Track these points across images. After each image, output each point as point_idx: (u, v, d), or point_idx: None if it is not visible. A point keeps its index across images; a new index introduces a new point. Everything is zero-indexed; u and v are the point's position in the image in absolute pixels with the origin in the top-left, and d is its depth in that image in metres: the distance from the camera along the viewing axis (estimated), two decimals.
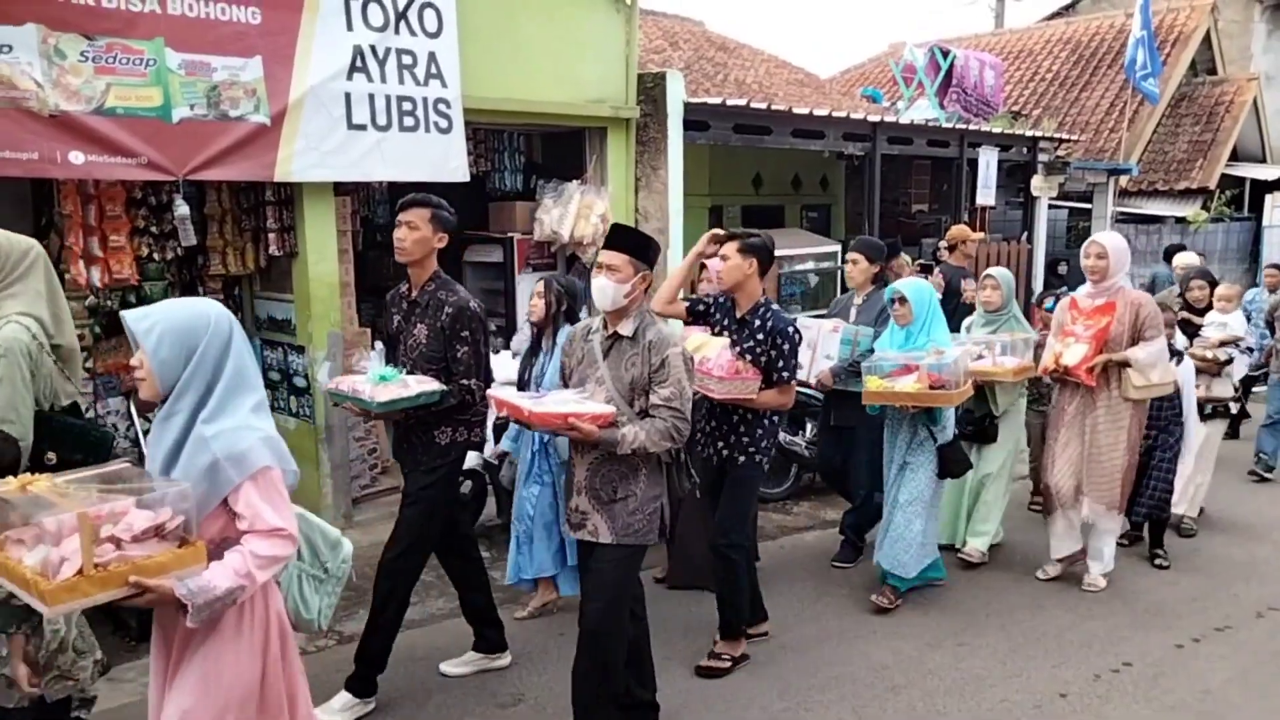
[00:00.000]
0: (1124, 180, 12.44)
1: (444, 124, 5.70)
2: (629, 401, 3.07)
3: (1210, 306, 6.18)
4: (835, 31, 46.05)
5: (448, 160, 5.74)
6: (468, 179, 5.94)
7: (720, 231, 3.96)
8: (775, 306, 3.89)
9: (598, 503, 3.10)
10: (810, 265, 8.58)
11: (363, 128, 5.37)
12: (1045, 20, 17.69)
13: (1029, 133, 10.62)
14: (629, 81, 6.81)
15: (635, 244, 3.14)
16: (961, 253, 7.15)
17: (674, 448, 3.10)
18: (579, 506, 3.14)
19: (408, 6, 5.49)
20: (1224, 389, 5.73)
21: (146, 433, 5.45)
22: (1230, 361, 5.68)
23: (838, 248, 8.79)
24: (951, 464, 4.58)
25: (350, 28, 5.29)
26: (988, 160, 9.96)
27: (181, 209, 4.94)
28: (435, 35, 5.63)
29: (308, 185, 5.36)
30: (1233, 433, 7.56)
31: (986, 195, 10.07)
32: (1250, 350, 5.90)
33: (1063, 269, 10.94)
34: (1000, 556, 5.32)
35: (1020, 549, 5.43)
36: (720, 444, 3.93)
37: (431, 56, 5.63)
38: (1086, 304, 4.80)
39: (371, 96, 5.40)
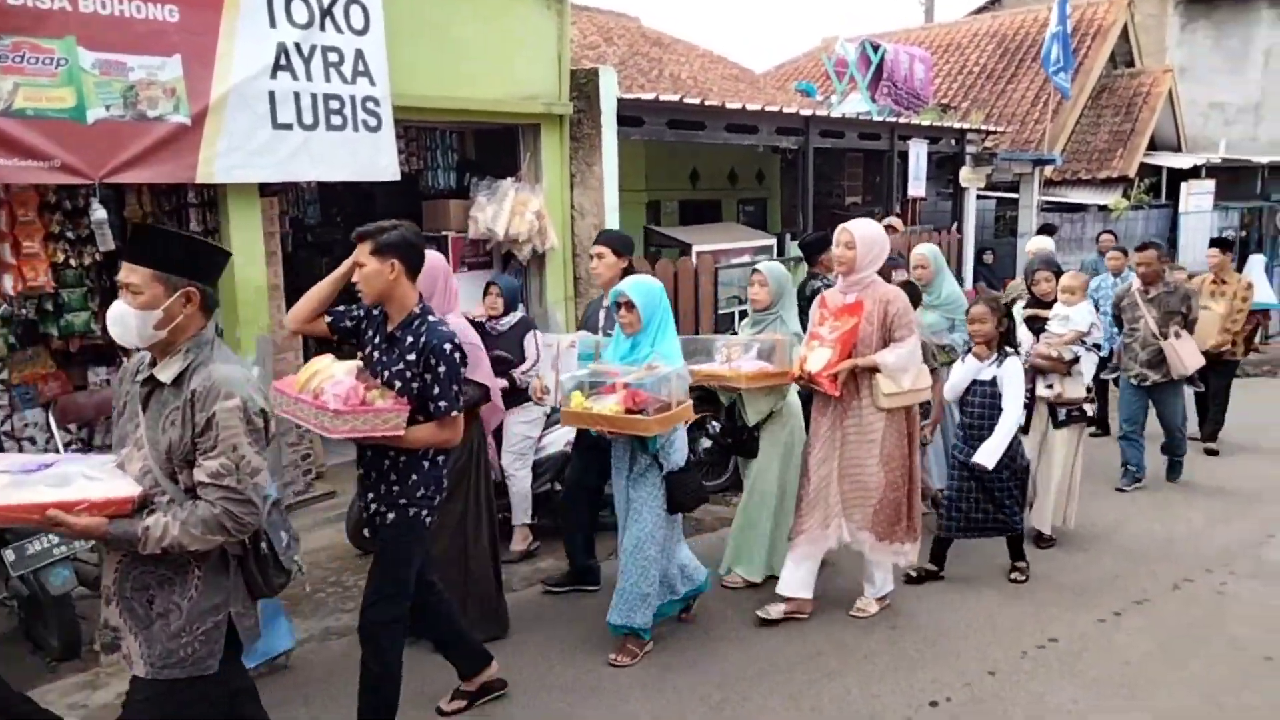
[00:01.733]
0: (1049, 170, 12.80)
1: (373, 122, 5.62)
2: (170, 475, 2.28)
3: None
4: (769, 27, 46.46)
5: (378, 159, 5.66)
6: (399, 178, 5.87)
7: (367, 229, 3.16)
8: (435, 317, 3.15)
9: (132, 619, 2.32)
10: (746, 259, 8.66)
11: (288, 127, 5.27)
12: (972, 14, 18.09)
13: (957, 125, 10.87)
14: (562, 77, 6.79)
15: (166, 253, 2.31)
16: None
17: (233, 541, 2.31)
18: (108, 621, 2.37)
19: (333, 3, 5.39)
20: (1076, 390, 5.27)
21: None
22: (1077, 360, 5.25)
23: (773, 241, 8.90)
24: (681, 495, 3.94)
25: (273, 25, 5.18)
26: (918, 152, 10.17)
27: (99, 213, 4.79)
28: (362, 32, 5.55)
29: (232, 186, 5.25)
30: (1103, 430, 7.65)
31: (917, 187, 10.28)
32: (1097, 347, 5.41)
33: (988, 257, 11.21)
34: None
35: None
36: (370, 495, 3.17)
37: (359, 54, 5.54)
38: (836, 301, 4.29)
39: (297, 95, 5.29)
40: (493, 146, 7.09)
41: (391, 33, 5.66)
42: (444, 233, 6.75)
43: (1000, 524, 4.79)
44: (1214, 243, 7.83)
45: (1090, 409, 5.41)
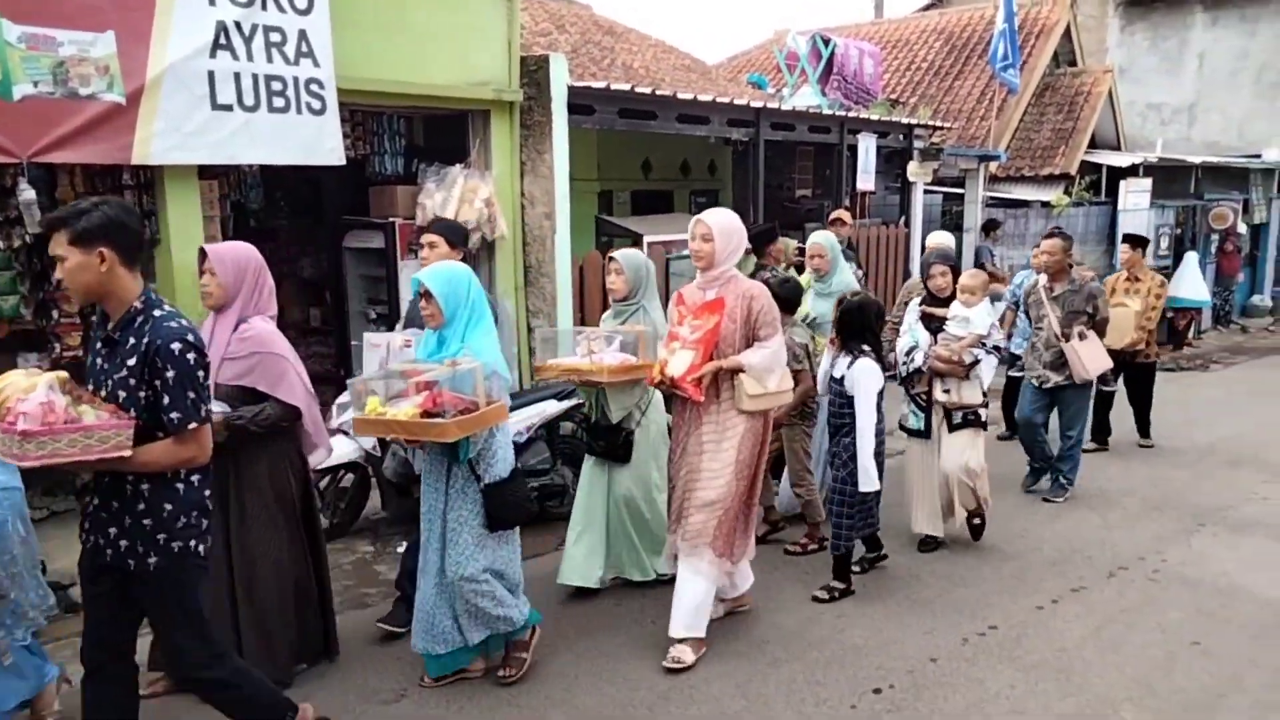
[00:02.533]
0: (993, 166, 13.04)
1: (317, 105, 5.49)
2: None
3: (954, 295, 5.18)
4: (723, 18, 46.55)
5: (321, 142, 5.54)
6: (344, 162, 5.75)
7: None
8: (163, 311, 2.66)
9: None
10: None
11: (228, 108, 5.13)
12: (920, 11, 18.33)
13: (905, 120, 11.00)
14: (511, 63, 6.71)
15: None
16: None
17: None
18: None
19: None
20: (973, 394, 5.03)
21: None
22: (977, 363, 4.98)
23: None
24: (501, 510, 3.49)
25: (213, 3, 5.03)
26: (866, 146, 10.27)
27: (26, 193, 4.61)
28: (306, 12, 5.41)
29: (169, 168, 5.09)
30: (1009, 433, 7.41)
31: (866, 180, 10.39)
32: (998, 349, 5.10)
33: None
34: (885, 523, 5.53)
35: (898, 521, 5.66)
36: (113, 532, 2.64)
37: (302, 34, 5.40)
38: (695, 299, 3.98)
39: (238, 75, 5.15)
40: (442, 132, 6.99)
41: (337, 14, 5.54)
42: (391, 219, 6.64)
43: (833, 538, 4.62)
44: (1126, 239, 7.62)
45: (985, 413, 5.15)
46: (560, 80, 6.87)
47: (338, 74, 5.57)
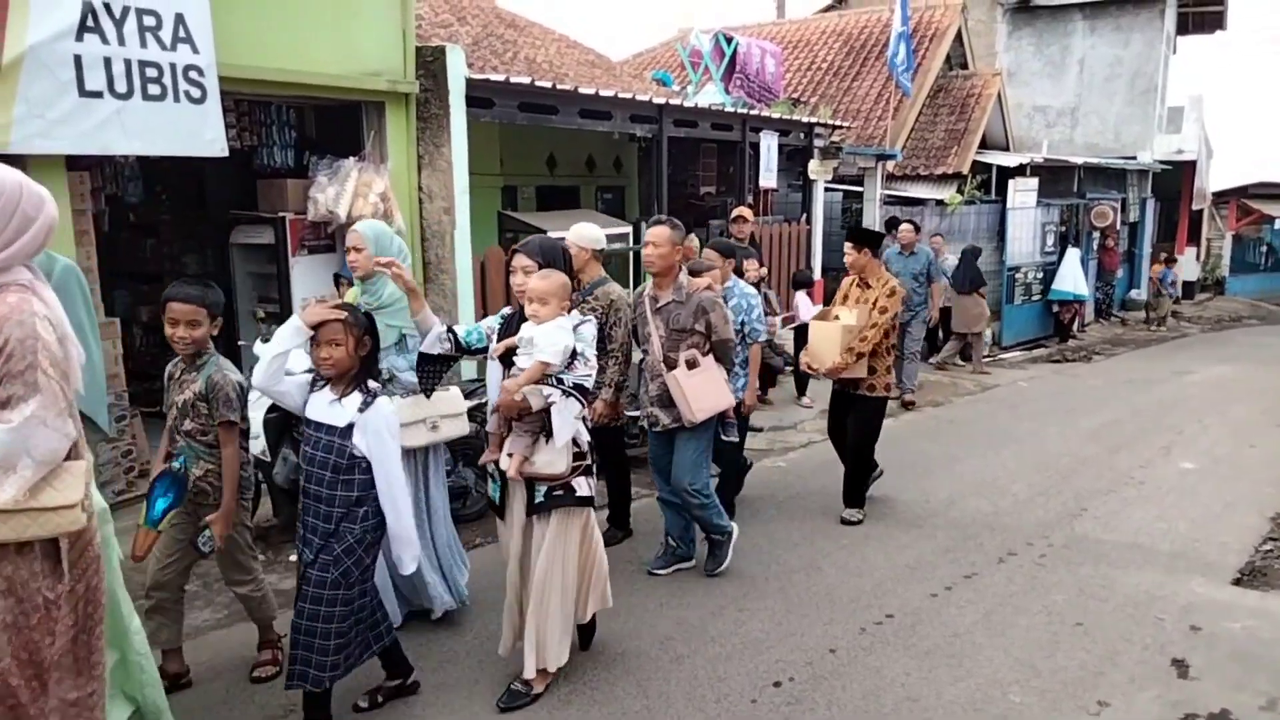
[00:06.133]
0: (890, 165, 13.40)
1: (196, 93, 5.21)
2: None
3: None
4: (628, 15, 46.60)
5: (202, 132, 5.26)
6: (227, 153, 5.47)
7: None
8: None
9: None
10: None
11: (98, 95, 4.80)
12: (820, 13, 18.71)
13: (805, 119, 11.19)
14: (406, 54, 6.52)
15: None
16: (732, 232, 7.40)
17: None
18: None
19: None
20: (556, 459, 3.45)
21: None
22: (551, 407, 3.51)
23: (630, 229, 8.90)
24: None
25: None
26: (768, 144, 10.41)
27: None
28: None
29: (32, 158, 4.73)
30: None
31: (769, 178, 10.53)
32: (580, 390, 3.50)
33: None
34: (786, 515, 5.61)
35: (804, 511, 5.75)
36: None
37: (179, 18, 5.11)
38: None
39: (108, 60, 4.83)
40: (335, 124, 6.74)
41: None
42: (280, 214, 6.37)
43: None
44: (851, 235, 5.76)
45: (588, 486, 3.54)
46: (458, 72, 6.72)
47: (219, 61, 5.28)
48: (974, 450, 7.42)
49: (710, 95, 11.12)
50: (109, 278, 6.37)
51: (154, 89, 5.03)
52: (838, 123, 11.87)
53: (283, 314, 6.29)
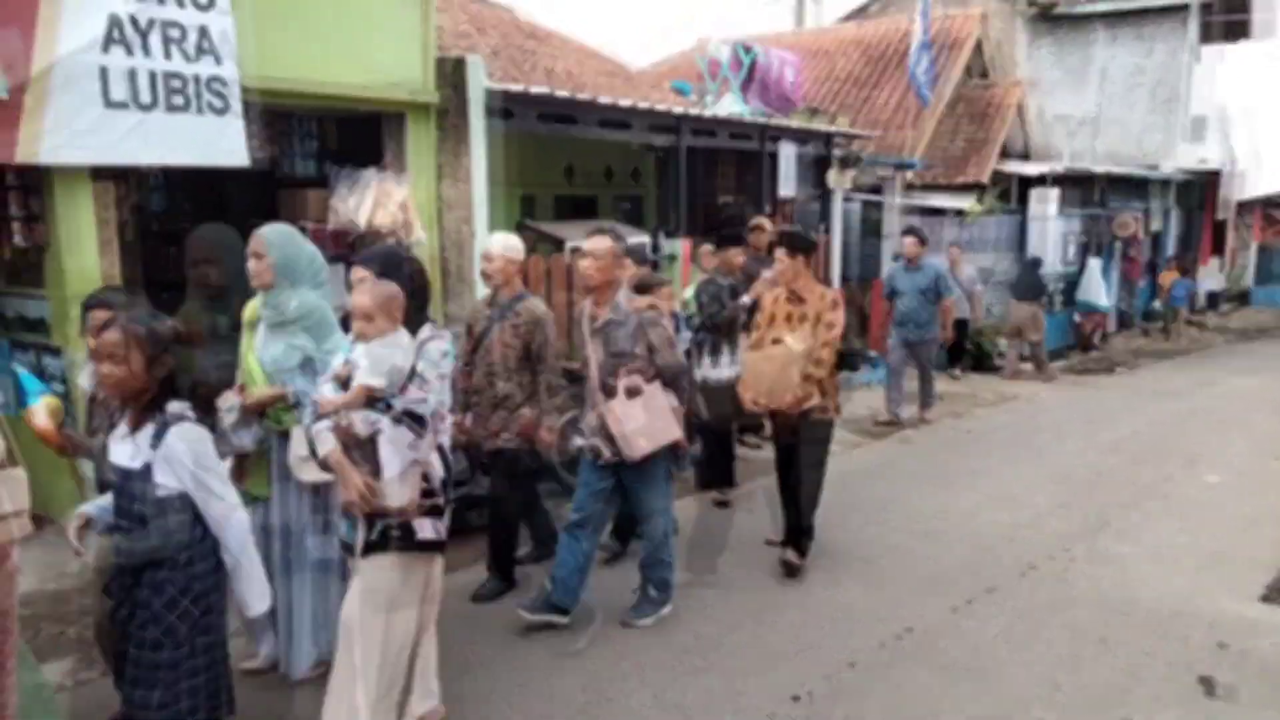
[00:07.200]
0: (909, 174, 13.34)
1: (219, 104, 5.27)
2: None
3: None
4: (648, 25, 46.78)
5: (224, 143, 5.32)
6: (248, 163, 5.53)
7: None
8: None
9: None
10: None
11: (123, 106, 4.88)
12: (840, 22, 18.70)
13: (824, 128, 11.17)
14: (427, 66, 6.57)
15: None
16: (751, 243, 7.38)
17: None
18: None
19: None
20: (394, 491, 3.06)
21: None
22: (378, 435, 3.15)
23: (647, 238, 8.90)
24: None
25: None
26: (787, 154, 10.39)
27: None
28: (207, 8, 5.19)
29: (59, 169, 4.82)
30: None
31: (788, 187, 10.51)
32: (411, 418, 3.08)
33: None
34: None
35: (823, 523, 5.71)
36: None
37: (203, 31, 5.18)
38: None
39: (133, 72, 4.90)
40: (356, 135, 6.80)
41: (241, 10, 5.32)
42: (302, 223, 6.41)
43: None
44: (783, 239, 5.01)
45: (433, 529, 3.12)
46: (478, 83, 6.76)
47: (242, 72, 5.35)
48: (994, 462, 7.35)
49: (729, 105, 11.13)
50: (130, 285, 6.43)
51: (178, 100, 5.10)
52: (857, 132, 11.84)
53: None
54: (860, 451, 7.80)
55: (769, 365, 4.76)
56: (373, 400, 2.97)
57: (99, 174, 5.14)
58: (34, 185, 4.97)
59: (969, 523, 5.88)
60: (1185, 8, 17.33)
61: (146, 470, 2.58)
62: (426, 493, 3.09)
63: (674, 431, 4.14)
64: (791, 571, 4.90)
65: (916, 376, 8.89)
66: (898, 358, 8.87)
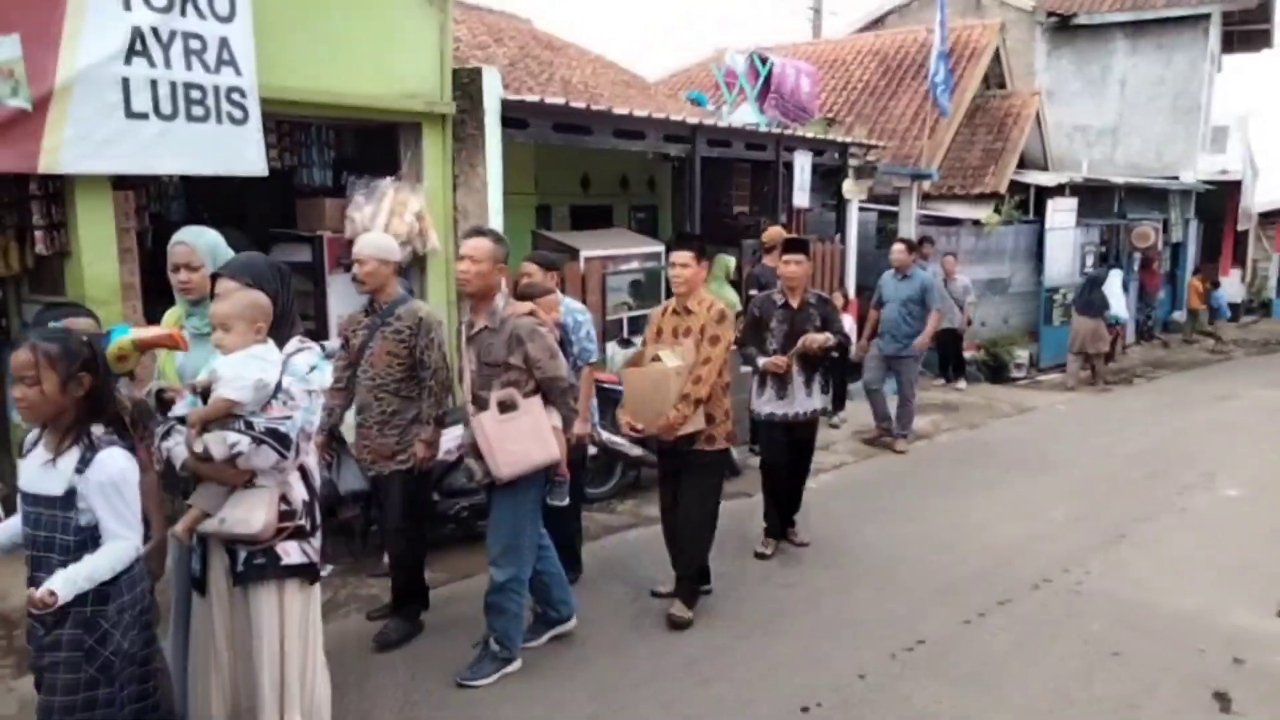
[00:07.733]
0: (926, 184, 13.30)
1: (238, 114, 5.34)
2: None
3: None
4: (664, 35, 46.96)
5: (243, 153, 5.38)
6: (266, 173, 5.60)
7: None
8: None
9: None
10: (635, 265, 8.68)
11: (144, 116, 4.94)
12: (857, 32, 18.69)
13: (839, 138, 11.16)
14: (444, 76, 6.62)
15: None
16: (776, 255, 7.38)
17: None
18: None
19: None
20: (249, 516, 2.84)
21: None
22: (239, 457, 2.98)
23: (661, 248, 8.93)
24: None
25: (128, 7, 4.85)
26: (802, 164, 10.39)
27: None
28: (227, 19, 5.26)
29: (80, 178, 4.89)
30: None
31: (802, 197, 10.50)
32: (276, 437, 2.79)
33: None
34: (816, 536, 5.55)
35: (831, 534, 5.69)
36: None
37: (223, 42, 5.25)
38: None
39: (154, 83, 4.97)
40: (372, 144, 6.86)
41: (260, 22, 5.39)
42: (318, 233, 6.49)
43: None
44: (680, 240, 4.89)
45: (300, 552, 2.86)
46: (493, 93, 6.81)
47: (261, 83, 5.42)
48: (1009, 473, 7.31)
49: (745, 115, 11.13)
50: (151, 294, 6.51)
51: (198, 110, 5.16)
52: (873, 142, 11.82)
53: (319, 331, 6.39)
54: (873, 461, 7.77)
55: (641, 384, 4.36)
56: (234, 417, 2.70)
57: (120, 183, 5.22)
58: (56, 194, 5.04)
59: (983, 534, 5.84)
60: (1206, 17, 17.21)
61: (70, 497, 2.43)
62: (286, 514, 2.81)
63: (549, 452, 3.70)
64: (677, 625, 4.35)
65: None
66: (875, 373, 8.32)
